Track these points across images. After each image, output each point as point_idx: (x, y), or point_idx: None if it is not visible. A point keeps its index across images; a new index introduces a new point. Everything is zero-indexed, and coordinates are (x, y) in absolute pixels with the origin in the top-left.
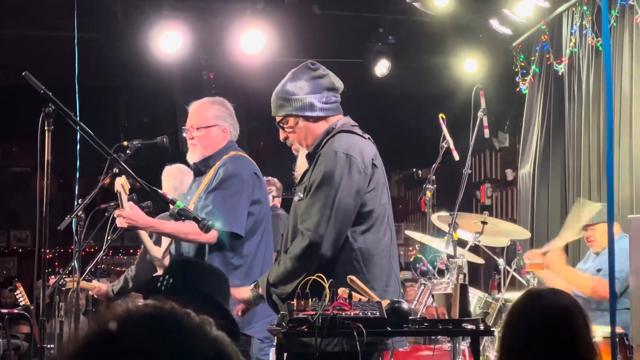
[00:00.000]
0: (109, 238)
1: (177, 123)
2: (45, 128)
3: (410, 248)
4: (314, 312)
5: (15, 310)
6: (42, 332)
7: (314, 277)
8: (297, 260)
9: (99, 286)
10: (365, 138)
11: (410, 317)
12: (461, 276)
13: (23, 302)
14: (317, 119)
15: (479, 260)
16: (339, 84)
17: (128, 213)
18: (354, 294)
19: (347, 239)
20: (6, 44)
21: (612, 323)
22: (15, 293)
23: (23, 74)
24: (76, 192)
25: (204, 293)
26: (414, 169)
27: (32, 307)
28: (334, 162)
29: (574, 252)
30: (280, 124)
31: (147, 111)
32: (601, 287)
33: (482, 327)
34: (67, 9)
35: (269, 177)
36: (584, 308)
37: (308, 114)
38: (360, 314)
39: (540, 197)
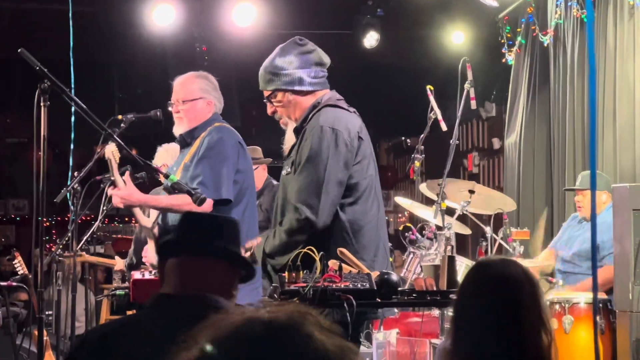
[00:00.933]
0: (104, 208)
1: (171, 95)
2: (41, 104)
3: (400, 215)
4: (305, 284)
5: (14, 283)
6: (41, 302)
7: (305, 250)
8: (292, 233)
9: (117, 262)
10: (350, 111)
11: (399, 289)
12: (449, 248)
13: (21, 271)
14: (305, 93)
15: (467, 231)
16: (327, 59)
17: (122, 193)
18: (344, 265)
19: (336, 212)
20: (1, 17)
21: (595, 290)
22: (14, 262)
23: (19, 50)
24: (71, 164)
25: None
26: (403, 138)
27: (30, 276)
28: (321, 137)
29: (559, 218)
30: (269, 98)
31: (141, 83)
32: (609, 276)
33: None
34: None
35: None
36: (534, 277)
37: (297, 88)
38: (351, 285)
39: (526, 166)
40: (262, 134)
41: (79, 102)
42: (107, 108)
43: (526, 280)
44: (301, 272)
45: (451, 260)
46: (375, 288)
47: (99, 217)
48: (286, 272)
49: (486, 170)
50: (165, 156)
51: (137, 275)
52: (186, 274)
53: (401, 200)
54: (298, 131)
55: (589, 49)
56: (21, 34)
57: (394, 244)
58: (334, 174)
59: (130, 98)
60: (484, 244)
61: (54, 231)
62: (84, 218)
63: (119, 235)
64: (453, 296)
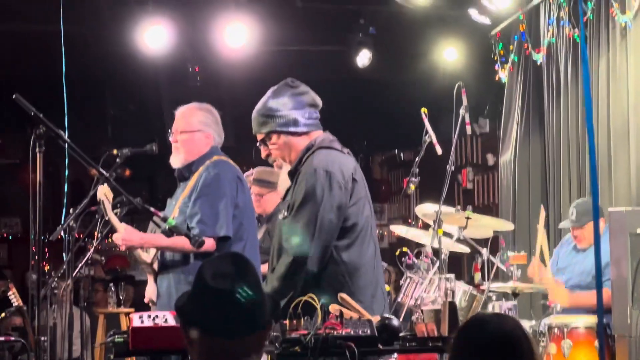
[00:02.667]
0: (98, 235)
1: (163, 115)
2: (37, 150)
3: (393, 232)
4: (306, 332)
5: (12, 338)
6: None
7: (305, 298)
8: (283, 279)
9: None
10: (344, 153)
11: (401, 334)
12: (449, 292)
13: (16, 303)
14: (300, 134)
15: (464, 250)
16: (319, 100)
17: (123, 237)
18: (345, 311)
19: (332, 254)
20: None
21: (600, 316)
22: (8, 294)
23: (13, 96)
24: (65, 190)
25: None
26: (396, 151)
27: (24, 308)
28: (315, 179)
29: (554, 238)
30: (264, 141)
31: (134, 102)
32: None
33: None
34: (53, 4)
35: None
36: (528, 332)
37: (292, 129)
38: (352, 332)
39: (521, 185)
40: (258, 153)
41: (74, 145)
42: (99, 125)
43: (523, 335)
44: (302, 319)
45: (452, 306)
46: (377, 334)
47: (93, 245)
48: (287, 320)
49: (480, 186)
50: None
51: (136, 321)
52: (219, 349)
53: (397, 229)
54: (292, 174)
55: (584, 75)
56: (13, 54)
57: (388, 260)
58: (327, 217)
59: (122, 115)
60: (480, 260)
61: (46, 249)
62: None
63: (114, 249)
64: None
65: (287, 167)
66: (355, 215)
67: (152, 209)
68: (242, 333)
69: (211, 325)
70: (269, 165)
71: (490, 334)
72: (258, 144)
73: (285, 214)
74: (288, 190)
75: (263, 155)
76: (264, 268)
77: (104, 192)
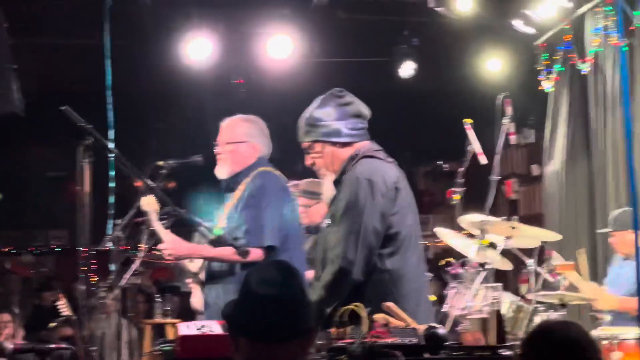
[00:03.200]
0: (144, 247)
1: (208, 130)
2: (85, 161)
3: (437, 239)
4: (352, 340)
5: (63, 345)
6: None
7: (352, 307)
8: (329, 288)
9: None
10: (388, 162)
11: (447, 343)
12: (496, 302)
13: (65, 313)
14: (343, 145)
15: (508, 266)
16: (366, 110)
17: (169, 247)
18: (390, 319)
19: (376, 262)
20: (43, 53)
21: None
22: (58, 304)
23: (62, 108)
24: (110, 201)
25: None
26: (440, 162)
27: (74, 317)
28: (357, 188)
29: (603, 252)
30: (308, 150)
31: (178, 114)
32: None
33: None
34: (98, 19)
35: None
36: (595, 339)
37: (335, 139)
38: (398, 340)
39: (568, 198)
40: (303, 164)
41: (121, 156)
42: (144, 138)
43: (590, 341)
44: (348, 327)
45: (499, 316)
46: (423, 343)
47: (139, 257)
48: (333, 328)
49: (525, 196)
50: None
51: (183, 329)
52: (264, 356)
53: (442, 232)
54: (337, 183)
55: (623, 85)
56: (59, 68)
57: (433, 271)
58: (370, 224)
59: (166, 127)
60: (525, 271)
61: (93, 260)
62: (125, 248)
63: (159, 262)
64: (505, 352)
65: (331, 177)
66: (399, 223)
67: (198, 219)
68: (286, 338)
69: (256, 330)
70: (315, 177)
71: (558, 341)
72: (304, 152)
73: (329, 222)
74: (333, 199)
75: (307, 163)
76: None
77: (148, 203)
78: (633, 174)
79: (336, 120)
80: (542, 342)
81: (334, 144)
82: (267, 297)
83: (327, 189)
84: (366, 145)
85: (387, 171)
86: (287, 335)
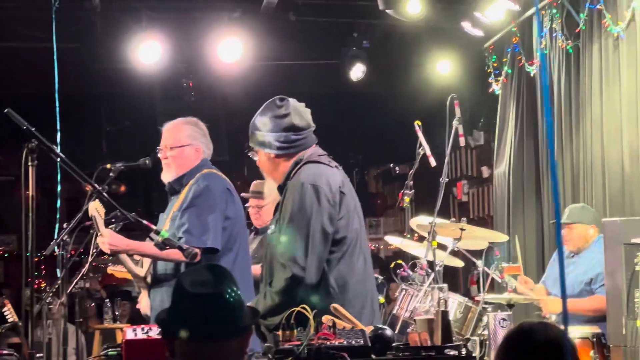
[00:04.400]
0: (93, 251)
1: (159, 133)
2: (29, 163)
3: (390, 244)
4: (299, 342)
5: (5, 352)
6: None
7: (298, 309)
8: (283, 294)
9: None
10: (332, 167)
11: (394, 344)
12: (442, 302)
13: (11, 319)
14: (277, 156)
15: (459, 264)
16: (303, 122)
17: (108, 241)
18: (338, 322)
19: (324, 266)
20: None
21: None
22: (3, 310)
23: (5, 111)
24: (58, 216)
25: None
26: (391, 165)
27: (20, 324)
28: (302, 194)
29: (550, 250)
30: (253, 152)
31: (129, 117)
32: (602, 304)
33: (464, 353)
34: (46, 22)
35: None
36: (571, 340)
37: (267, 150)
38: (345, 342)
39: (516, 198)
40: (251, 167)
41: (66, 159)
42: (94, 140)
43: (568, 342)
44: (295, 330)
45: (445, 315)
46: (370, 344)
47: (88, 262)
48: (280, 331)
49: (475, 198)
50: None
51: (129, 334)
52: (199, 357)
53: (392, 240)
54: (281, 189)
55: (545, 104)
56: (6, 71)
57: (385, 274)
58: (318, 229)
59: (117, 130)
60: (476, 272)
61: (42, 266)
62: (73, 252)
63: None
64: (450, 352)
65: (273, 181)
66: (345, 228)
67: (145, 222)
68: (222, 337)
69: (191, 330)
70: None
71: (538, 341)
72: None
73: (273, 228)
74: (278, 204)
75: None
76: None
77: (95, 208)
78: (555, 175)
79: (269, 132)
80: (521, 343)
81: (266, 152)
82: (201, 296)
83: (268, 192)
84: (310, 150)
85: (331, 176)
86: (223, 334)
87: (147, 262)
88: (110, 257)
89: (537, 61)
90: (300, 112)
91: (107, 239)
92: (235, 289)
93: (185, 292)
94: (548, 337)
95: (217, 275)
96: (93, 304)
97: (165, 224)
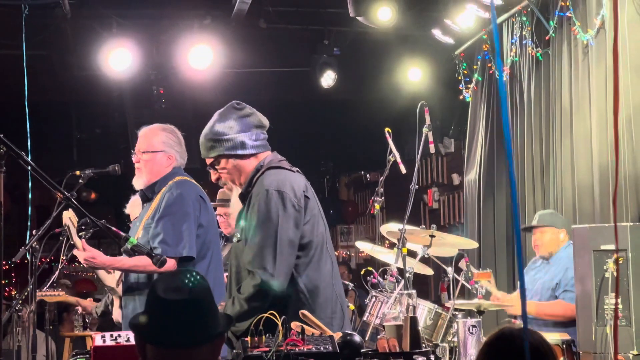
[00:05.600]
0: (62, 257)
1: (129, 137)
2: None
3: (361, 251)
4: (268, 349)
5: None
6: None
7: (266, 315)
8: (251, 300)
9: (83, 303)
10: (293, 171)
11: (362, 350)
12: (411, 308)
13: None
14: (248, 157)
15: (429, 272)
16: (265, 121)
17: (85, 255)
18: (307, 328)
19: (292, 272)
20: None
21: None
22: None
23: None
24: (29, 223)
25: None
26: (362, 172)
27: None
28: (268, 200)
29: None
30: (212, 165)
31: (99, 124)
32: (570, 309)
33: (432, 359)
34: (16, 29)
35: None
36: (552, 345)
37: (240, 152)
38: (314, 348)
39: (487, 204)
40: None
41: (35, 166)
42: (65, 148)
43: (549, 348)
44: (264, 336)
45: (414, 321)
46: (338, 350)
47: (58, 268)
48: (249, 337)
49: (446, 205)
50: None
51: (98, 341)
52: None
53: (362, 245)
54: (244, 196)
55: (502, 112)
56: None
57: (356, 281)
58: (285, 236)
59: (88, 138)
60: (446, 279)
61: (12, 274)
62: (44, 260)
63: (80, 274)
64: (419, 358)
65: (237, 190)
66: (310, 232)
67: (113, 229)
68: (195, 342)
69: (165, 336)
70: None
71: (520, 348)
72: (208, 168)
73: (239, 237)
74: (241, 212)
75: (213, 179)
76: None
77: (68, 217)
78: (514, 182)
79: (239, 133)
80: (502, 348)
81: (239, 157)
82: (174, 303)
83: (234, 202)
84: (270, 155)
85: (295, 180)
86: (195, 340)
87: (117, 271)
88: (81, 265)
89: (507, 68)
90: (258, 112)
91: (83, 253)
92: (208, 295)
93: (158, 298)
94: (530, 343)
95: (190, 281)
96: (77, 308)
97: (138, 232)
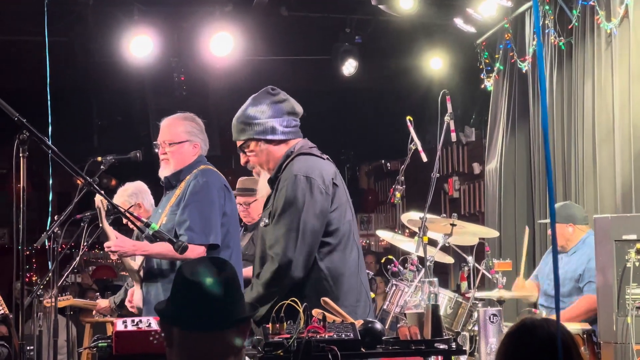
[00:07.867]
0: (84, 244)
1: (150, 125)
2: (20, 155)
3: (381, 240)
4: (289, 336)
5: None
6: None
7: (288, 302)
8: (268, 285)
9: (99, 303)
10: (323, 159)
11: (384, 338)
12: (432, 296)
13: (2, 311)
14: (278, 142)
15: (449, 260)
16: (299, 108)
17: (115, 244)
18: (328, 315)
19: (316, 260)
20: None
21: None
22: None
23: None
24: (50, 198)
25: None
26: (383, 161)
27: (11, 316)
28: (295, 186)
29: (541, 246)
30: (242, 148)
31: (120, 111)
32: (592, 304)
33: (454, 347)
34: (38, 15)
35: None
36: (573, 336)
37: (270, 137)
38: (335, 336)
39: (507, 193)
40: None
41: (57, 151)
42: (86, 135)
43: (572, 339)
44: (285, 323)
45: (435, 309)
46: (360, 338)
47: (79, 254)
48: (270, 324)
49: (467, 194)
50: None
51: (119, 326)
52: (197, 347)
53: (382, 234)
54: (272, 181)
55: (540, 84)
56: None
57: (376, 270)
58: (310, 222)
59: (109, 125)
60: (466, 268)
61: (33, 260)
62: (64, 246)
63: (101, 260)
64: (440, 346)
65: (265, 175)
66: (338, 220)
67: (134, 215)
68: (219, 326)
69: (189, 319)
70: (250, 175)
71: (541, 338)
72: (238, 150)
73: (267, 221)
74: (269, 197)
75: (242, 162)
76: (246, 272)
77: (100, 200)
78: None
79: (270, 118)
80: (525, 339)
81: (269, 141)
82: (201, 287)
83: (261, 187)
84: (300, 142)
85: (324, 168)
86: (221, 324)
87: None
88: (101, 251)
89: (529, 57)
90: (292, 99)
91: (113, 242)
92: (235, 280)
93: (186, 281)
94: (551, 334)
95: (216, 266)
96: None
97: (162, 218)
